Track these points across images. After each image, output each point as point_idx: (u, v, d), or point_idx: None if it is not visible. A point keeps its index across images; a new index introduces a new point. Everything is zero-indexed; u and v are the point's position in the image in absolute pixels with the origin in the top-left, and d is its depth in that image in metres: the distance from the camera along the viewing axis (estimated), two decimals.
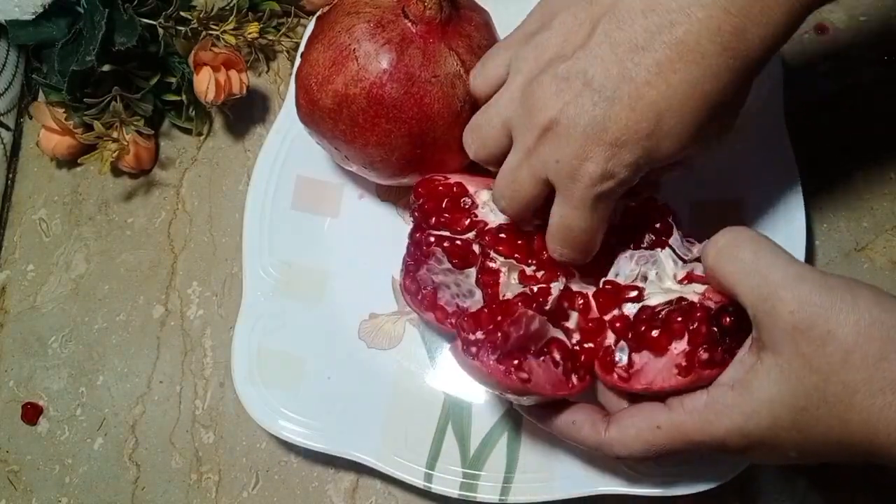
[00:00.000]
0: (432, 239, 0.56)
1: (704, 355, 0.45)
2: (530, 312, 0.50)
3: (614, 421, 0.48)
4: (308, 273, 0.63)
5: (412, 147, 0.55)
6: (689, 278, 0.49)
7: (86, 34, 0.66)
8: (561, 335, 0.52)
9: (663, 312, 0.48)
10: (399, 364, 0.61)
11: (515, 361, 0.48)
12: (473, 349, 0.48)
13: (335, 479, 0.62)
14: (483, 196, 0.57)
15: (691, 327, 0.46)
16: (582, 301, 0.53)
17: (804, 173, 0.60)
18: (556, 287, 0.53)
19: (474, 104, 0.55)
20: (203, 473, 0.64)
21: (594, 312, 0.53)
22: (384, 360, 0.61)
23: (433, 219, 0.57)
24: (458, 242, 0.56)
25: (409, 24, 0.54)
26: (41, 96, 0.72)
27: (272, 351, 0.61)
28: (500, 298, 0.54)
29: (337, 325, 0.62)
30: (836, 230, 0.64)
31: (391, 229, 0.60)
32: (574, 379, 0.50)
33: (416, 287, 0.58)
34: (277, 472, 0.63)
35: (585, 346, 0.52)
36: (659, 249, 0.52)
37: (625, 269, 0.53)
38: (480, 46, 0.56)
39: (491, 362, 0.48)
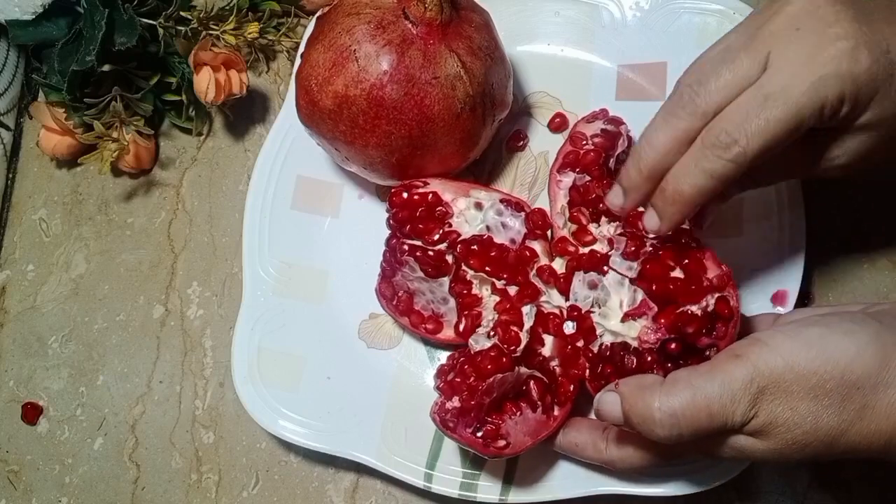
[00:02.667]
0: (406, 247, 0.57)
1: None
2: (500, 376, 0.51)
3: (612, 440, 0.50)
4: (308, 273, 0.63)
5: (412, 148, 0.55)
6: (629, 315, 0.52)
7: (86, 34, 0.66)
8: (537, 373, 0.53)
9: (618, 358, 0.51)
10: (399, 364, 0.61)
11: (491, 427, 0.51)
12: (451, 423, 0.50)
13: (335, 479, 0.62)
14: (460, 204, 0.58)
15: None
16: (556, 325, 0.55)
17: None
18: (527, 314, 0.54)
19: (474, 106, 0.55)
20: (203, 473, 0.64)
21: (569, 329, 0.55)
22: (384, 360, 0.61)
23: (407, 227, 0.57)
24: (431, 253, 0.56)
25: (410, 26, 0.54)
26: (41, 96, 0.72)
27: (272, 351, 0.61)
28: (472, 352, 0.54)
29: (337, 325, 0.62)
30: (836, 229, 0.64)
31: None
32: (555, 410, 0.53)
33: (391, 292, 0.59)
34: (277, 472, 0.63)
35: (569, 372, 0.53)
36: (603, 277, 0.54)
37: (581, 292, 0.55)
38: (481, 48, 0.56)
39: (468, 434, 0.50)
